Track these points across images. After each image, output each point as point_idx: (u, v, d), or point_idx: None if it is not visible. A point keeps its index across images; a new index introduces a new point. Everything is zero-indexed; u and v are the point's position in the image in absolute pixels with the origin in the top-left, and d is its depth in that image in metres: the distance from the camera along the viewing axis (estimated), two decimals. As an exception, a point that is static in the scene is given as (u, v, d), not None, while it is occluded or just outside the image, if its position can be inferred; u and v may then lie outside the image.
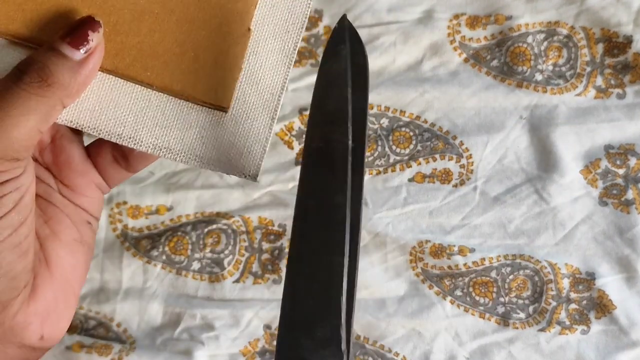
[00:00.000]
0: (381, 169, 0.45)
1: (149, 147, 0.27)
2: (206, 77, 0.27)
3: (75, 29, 0.25)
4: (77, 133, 0.30)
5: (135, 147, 0.27)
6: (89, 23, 0.26)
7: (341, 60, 0.26)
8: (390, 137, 0.45)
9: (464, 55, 0.46)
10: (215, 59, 0.27)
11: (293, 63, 0.29)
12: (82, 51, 0.25)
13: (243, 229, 0.46)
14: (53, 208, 0.29)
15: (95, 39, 0.26)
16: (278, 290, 0.45)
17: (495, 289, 0.45)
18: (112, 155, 0.30)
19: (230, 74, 0.27)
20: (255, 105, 0.28)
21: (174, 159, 0.27)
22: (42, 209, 0.28)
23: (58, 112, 0.25)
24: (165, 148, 0.27)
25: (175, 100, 0.27)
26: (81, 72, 0.25)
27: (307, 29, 0.47)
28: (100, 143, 0.30)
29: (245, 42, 0.28)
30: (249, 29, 0.28)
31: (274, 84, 0.28)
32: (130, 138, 0.27)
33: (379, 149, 0.45)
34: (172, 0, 0.27)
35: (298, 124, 0.46)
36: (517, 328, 0.44)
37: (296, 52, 0.29)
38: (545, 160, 0.45)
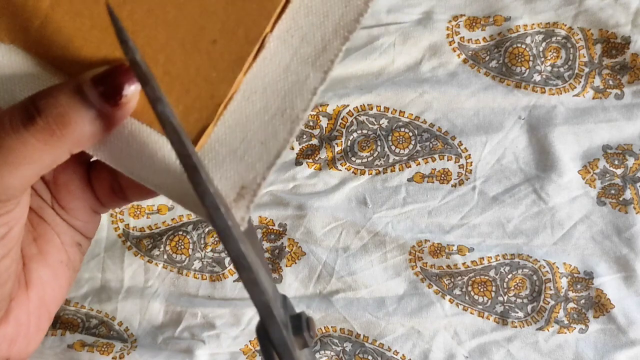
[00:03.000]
0: (380, 169, 0.46)
1: (154, 186, 0.25)
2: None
3: (111, 77, 0.22)
4: (82, 155, 0.27)
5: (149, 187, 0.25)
6: (127, 75, 0.22)
7: None
8: (390, 138, 0.46)
9: (463, 56, 0.46)
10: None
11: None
12: (112, 104, 0.22)
13: (244, 228, 0.46)
14: (44, 225, 0.27)
15: (131, 94, 0.22)
16: (278, 289, 0.46)
17: (494, 288, 0.45)
18: (110, 185, 0.27)
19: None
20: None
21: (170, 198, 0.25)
22: (33, 225, 0.26)
23: (61, 162, 0.23)
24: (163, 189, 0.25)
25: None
26: (103, 128, 0.22)
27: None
28: (100, 170, 0.28)
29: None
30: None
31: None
32: (143, 179, 0.25)
33: (379, 149, 0.46)
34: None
35: (298, 124, 0.46)
36: (515, 327, 0.45)
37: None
38: (544, 160, 0.45)
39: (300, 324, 0.23)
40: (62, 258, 0.27)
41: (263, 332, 0.22)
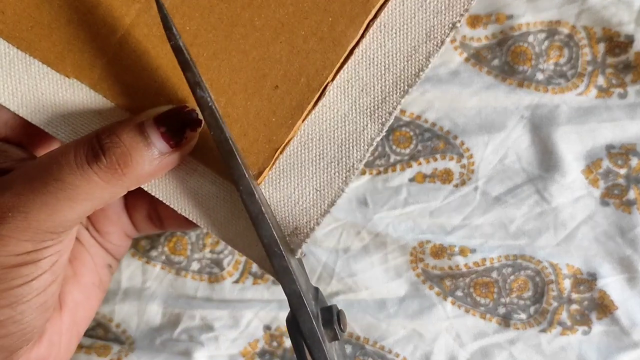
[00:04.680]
0: (381, 168, 0.45)
1: (202, 222, 0.25)
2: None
3: (173, 118, 0.22)
4: None
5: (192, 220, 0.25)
6: (189, 118, 0.23)
7: None
8: (391, 137, 0.45)
9: (465, 55, 0.45)
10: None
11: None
12: (172, 145, 0.22)
13: (243, 229, 0.45)
14: (80, 247, 0.27)
15: (191, 137, 0.23)
16: (278, 291, 0.45)
17: (496, 290, 0.45)
18: (147, 213, 0.28)
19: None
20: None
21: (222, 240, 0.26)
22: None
23: (120, 196, 0.23)
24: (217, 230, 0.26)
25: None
26: (162, 166, 0.23)
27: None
28: (138, 198, 0.28)
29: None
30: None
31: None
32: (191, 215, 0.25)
33: (379, 148, 0.45)
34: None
35: (298, 123, 0.45)
36: (518, 329, 0.44)
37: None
38: (547, 160, 0.45)
39: (332, 316, 0.23)
40: (94, 280, 0.28)
41: (293, 322, 0.22)
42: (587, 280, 0.45)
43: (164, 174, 0.24)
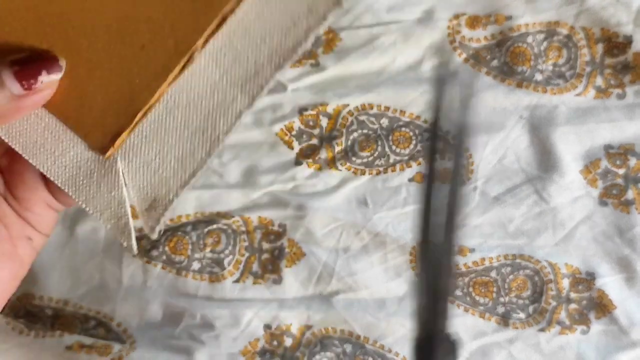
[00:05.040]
0: (381, 168, 0.45)
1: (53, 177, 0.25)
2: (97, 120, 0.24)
3: (30, 61, 0.22)
4: None
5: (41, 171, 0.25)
6: (48, 63, 0.22)
7: None
8: (390, 137, 0.45)
9: (464, 55, 0.46)
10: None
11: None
12: (25, 87, 0.22)
13: (243, 229, 0.46)
14: None
15: (47, 81, 0.22)
16: (278, 290, 0.45)
17: (495, 289, 0.45)
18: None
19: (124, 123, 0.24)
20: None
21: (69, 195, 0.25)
22: None
23: None
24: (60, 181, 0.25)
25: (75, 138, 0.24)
26: (14, 108, 0.22)
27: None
28: None
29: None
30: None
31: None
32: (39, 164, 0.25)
33: (379, 148, 0.45)
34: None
35: (298, 124, 0.46)
36: (517, 328, 0.44)
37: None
38: (545, 161, 0.45)
39: None
40: (6, 250, 0.27)
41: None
42: (585, 280, 0.45)
43: (18, 118, 0.23)
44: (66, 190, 0.25)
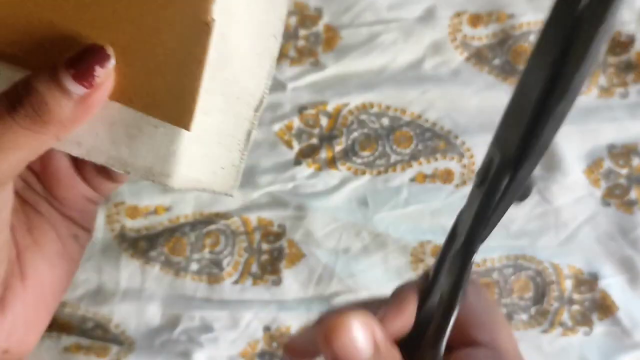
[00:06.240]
0: (382, 168, 0.45)
1: (106, 160, 0.25)
2: (162, 90, 0.24)
3: (81, 60, 0.22)
4: None
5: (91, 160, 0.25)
6: (98, 56, 0.23)
7: None
8: (391, 137, 0.45)
9: (466, 54, 0.45)
10: (168, 65, 0.24)
11: (275, 59, 0.25)
12: (86, 86, 0.22)
13: (242, 229, 0.45)
14: (39, 217, 0.27)
15: (103, 74, 0.23)
16: (278, 292, 0.45)
17: (497, 290, 0.45)
18: (95, 168, 0.28)
19: (189, 83, 0.24)
20: (223, 122, 0.25)
21: (130, 174, 0.25)
22: (28, 217, 0.27)
23: (50, 146, 0.23)
24: (120, 162, 0.25)
25: (138, 115, 0.24)
26: (83, 109, 0.23)
27: (307, 27, 0.46)
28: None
29: (206, 40, 0.23)
30: (208, 22, 0.23)
31: (250, 91, 0.25)
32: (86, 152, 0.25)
33: (380, 148, 0.45)
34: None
35: (297, 123, 0.45)
36: (519, 329, 0.44)
37: (279, 42, 0.25)
38: (548, 161, 0.44)
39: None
40: (58, 250, 0.27)
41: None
42: (588, 281, 0.44)
43: (90, 117, 0.24)
44: (132, 174, 0.25)
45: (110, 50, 0.23)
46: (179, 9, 0.23)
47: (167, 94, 0.24)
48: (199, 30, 0.23)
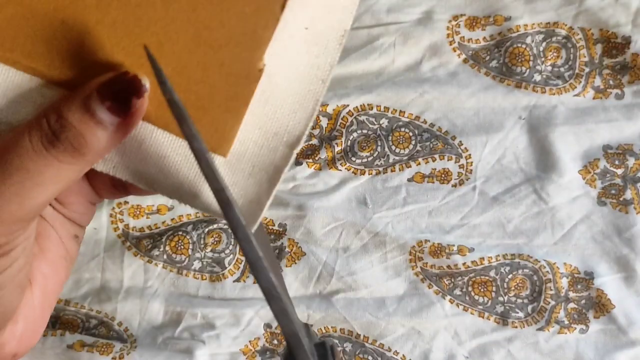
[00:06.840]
0: (381, 169, 0.45)
1: (142, 182, 0.25)
2: (203, 121, 0.24)
3: (116, 90, 0.22)
4: None
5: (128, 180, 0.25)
6: (134, 87, 0.22)
7: None
8: (390, 138, 0.45)
9: (463, 56, 0.46)
10: (213, 101, 0.24)
11: (320, 102, 0.25)
12: (122, 116, 0.22)
13: (243, 228, 0.46)
14: (44, 223, 0.27)
15: (139, 105, 0.22)
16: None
17: (494, 289, 0.45)
18: (111, 180, 0.27)
19: (232, 119, 0.24)
20: (257, 155, 0.25)
21: (155, 191, 0.25)
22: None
23: (85, 171, 0.23)
24: (147, 180, 0.24)
25: (172, 137, 0.24)
26: (118, 137, 0.22)
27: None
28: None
29: (254, 84, 0.23)
30: (261, 68, 0.23)
31: (289, 129, 0.24)
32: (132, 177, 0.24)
33: (379, 149, 0.45)
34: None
35: (298, 124, 0.46)
36: (516, 327, 0.45)
37: (326, 86, 0.25)
38: (544, 161, 0.45)
39: (326, 352, 0.24)
40: (61, 253, 0.27)
41: (290, 359, 0.23)
42: (584, 279, 0.45)
43: (121, 141, 0.23)
44: (174, 198, 0.25)
45: (146, 82, 0.22)
46: (232, 52, 0.23)
47: (207, 125, 0.24)
48: (249, 74, 0.23)
